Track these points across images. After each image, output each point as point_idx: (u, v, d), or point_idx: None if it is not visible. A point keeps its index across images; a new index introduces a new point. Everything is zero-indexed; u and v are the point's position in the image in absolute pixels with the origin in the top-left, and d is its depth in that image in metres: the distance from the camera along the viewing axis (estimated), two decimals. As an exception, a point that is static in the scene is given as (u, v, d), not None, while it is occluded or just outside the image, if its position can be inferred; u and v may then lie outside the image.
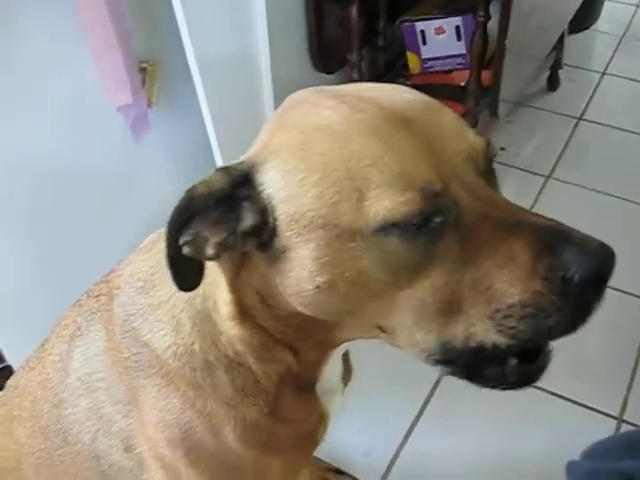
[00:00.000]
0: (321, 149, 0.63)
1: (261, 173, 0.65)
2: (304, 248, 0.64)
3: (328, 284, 0.64)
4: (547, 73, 2.72)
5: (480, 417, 1.65)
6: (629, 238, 2.12)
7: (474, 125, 2.08)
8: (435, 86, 2.30)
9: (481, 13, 1.91)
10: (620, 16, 3.25)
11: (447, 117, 0.67)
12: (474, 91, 2.04)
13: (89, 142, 1.54)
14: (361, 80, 2.19)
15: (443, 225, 0.61)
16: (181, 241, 0.65)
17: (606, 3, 3.16)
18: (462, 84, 2.18)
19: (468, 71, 2.06)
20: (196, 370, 0.77)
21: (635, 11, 3.30)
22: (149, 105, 1.65)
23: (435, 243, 0.62)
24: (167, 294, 0.78)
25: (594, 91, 2.76)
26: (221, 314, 0.74)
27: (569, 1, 2.46)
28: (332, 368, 0.85)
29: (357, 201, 0.61)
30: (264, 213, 0.65)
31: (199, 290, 0.72)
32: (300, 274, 0.65)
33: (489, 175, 0.68)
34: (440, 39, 2.30)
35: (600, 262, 0.61)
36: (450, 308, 0.63)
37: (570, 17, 2.53)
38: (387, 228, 0.61)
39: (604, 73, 2.87)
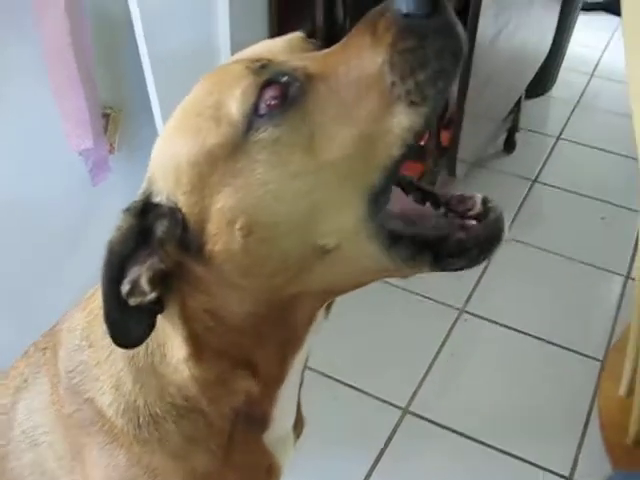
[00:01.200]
0: (177, 116, 0.66)
1: (154, 188, 0.66)
2: (212, 207, 0.62)
3: (247, 227, 0.61)
4: (504, 136, 2.79)
5: (431, 474, 1.65)
6: (582, 298, 2.17)
7: (433, 183, 2.12)
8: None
9: (441, 76, 1.96)
10: (575, 83, 3.37)
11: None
12: (433, 151, 2.08)
13: (48, 184, 1.54)
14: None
15: (299, 89, 0.61)
16: (124, 293, 0.64)
17: (561, 71, 3.27)
18: (422, 143, 2.23)
19: (428, 131, 2.11)
20: (141, 426, 0.75)
21: (589, 79, 3.43)
22: (111, 151, 1.65)
23: (305, 108, 0.61)
24: (105, 354, 0.76)
25: (549, 154, 2.85)
26: (174, 361, 0.72)
27: (525, 69, 2.54)
28: (285, 407, 0.83)
29: (217, 125, 0.61)
30: (172, 215, 0.64)
31: (139, 349, 0.71)
32: (224, 241, 0.63)
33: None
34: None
35: None
36: (360, 137, 0.60)
37: (527, 83, 2.62)
38: (253, 123, 0.60)
39: (559, 137, 2.96)
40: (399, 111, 0.59)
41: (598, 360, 1.95)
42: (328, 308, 0.77)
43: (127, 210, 0.65)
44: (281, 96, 0.60)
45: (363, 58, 0.61)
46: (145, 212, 0.65)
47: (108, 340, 0.72)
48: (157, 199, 0.65)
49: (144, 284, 0.64)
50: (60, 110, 1.45)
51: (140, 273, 0.64)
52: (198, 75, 0.68)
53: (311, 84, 0.62)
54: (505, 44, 2.11)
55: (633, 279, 2.15)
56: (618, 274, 2.25)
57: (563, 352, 1.97)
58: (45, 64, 1.39)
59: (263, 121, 0.60)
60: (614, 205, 2.54)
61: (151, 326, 0.68)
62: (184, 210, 0.64)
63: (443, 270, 0.64)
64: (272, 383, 0.78)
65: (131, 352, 0.73)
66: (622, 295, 2.18)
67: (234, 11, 1.80)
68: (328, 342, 1.80)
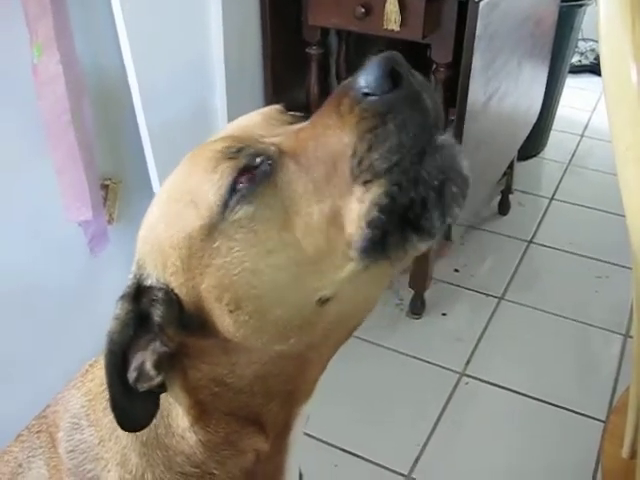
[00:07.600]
0: (160, 201, 0.68)
1: (144, 271, 0.67)
2: (200, 286, 0.64)
3: (233, 303, 0.62)
4: (498, 198, 2.82)
5: None
6: (583, 358, 2.16)
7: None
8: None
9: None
10: (566, 144, 3.43)
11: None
12: (428, 214, 2.10)
13: (47, 255, 1.54)
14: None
15: (270, 166, 0.62)
16: (131, 381, 0.64)
17: (552, 132, 3.33)
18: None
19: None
20: None
21: (579, 140, 3.49)
22: (109, 222, 1.67)
23: (275, 184, 0.62)
24: (108, 432, 0.76)
25: (543, 215, 2.87)
26: (179, 431, 0.71)
27: (517, 132, 2.59)
28: (292, 466, 0.81)
29: (195, 209, 0.63)
30: (167, 296, 0.65)
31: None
32: (218, 316, 0.64)
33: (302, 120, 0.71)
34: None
35: (384, 59, 0.59)
36: (329, 213, 0.61)
37: (518, 146, 2.66)
38: (228, 203, 0.61)
39: (552, 198, 2.99)
40: (356, 190, 0.60)
41: (601, 421, 1.93)
42: None
43: (122, 297, 0.66)
44: (253, 175, 0.62)
45: (329, 136, 0.62)
46: (139, 296, 0.66)
47: (110, 418, 0.73)
48: (148, 282, 0.66)
49: (149, 369, 0.64)
50: (59, 183, 1.47)
51: (144, 359, 0.64)
52: (196, 146, 0.69)
53: (282, 160, 0.63)
54: (496, 109, 2.15)
55: (632, 337, 2.15)
56: (617, 333, 2.25)
57: (566, 413, 1.95)
58: (46, 139, 1.41)
59: (236, 199, 0.61)
60: (609, 263, 2.56)
61: (157, 406, 0.68)
62: (176, 291, 0.65)
63: (432, 236, 0.62)
64: (280, 435, 0.77)
65: None
66: (622, 353, 2.17)
67: (230, 80, 1.85)
68: (327, 409, 1.78)
